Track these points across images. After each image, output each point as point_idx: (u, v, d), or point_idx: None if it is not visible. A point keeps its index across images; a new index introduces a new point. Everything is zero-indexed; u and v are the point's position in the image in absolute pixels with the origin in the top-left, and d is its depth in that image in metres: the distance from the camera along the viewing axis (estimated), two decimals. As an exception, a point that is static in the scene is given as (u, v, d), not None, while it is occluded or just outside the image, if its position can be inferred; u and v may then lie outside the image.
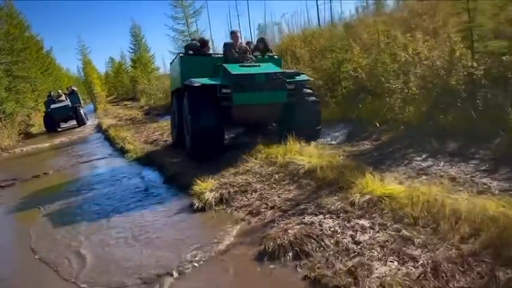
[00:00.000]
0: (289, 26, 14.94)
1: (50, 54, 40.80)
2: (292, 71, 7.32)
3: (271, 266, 3.19)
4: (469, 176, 4.20)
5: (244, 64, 6.75)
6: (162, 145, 9.30)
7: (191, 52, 7.75)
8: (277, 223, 3.85)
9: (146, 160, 8.03)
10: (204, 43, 8.01)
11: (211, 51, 8.30)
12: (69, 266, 3.78)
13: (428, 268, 2.63)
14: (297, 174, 4.95)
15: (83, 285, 3.36)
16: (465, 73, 5.43)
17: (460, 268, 2.56)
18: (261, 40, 8.27)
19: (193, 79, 6.36)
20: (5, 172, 9.48)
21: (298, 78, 6.67)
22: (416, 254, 2.84)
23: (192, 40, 9.38)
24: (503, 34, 5.29)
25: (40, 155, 12.09)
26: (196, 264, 3.44)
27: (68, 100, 20.19)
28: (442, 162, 4.71)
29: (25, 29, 30.82)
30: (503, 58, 5.05)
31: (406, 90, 6.36)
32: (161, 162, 7.25)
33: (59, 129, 19.81)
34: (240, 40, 7.48)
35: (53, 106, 19.33)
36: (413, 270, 2.68)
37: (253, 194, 4.81)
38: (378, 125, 6.49)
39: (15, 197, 6.91)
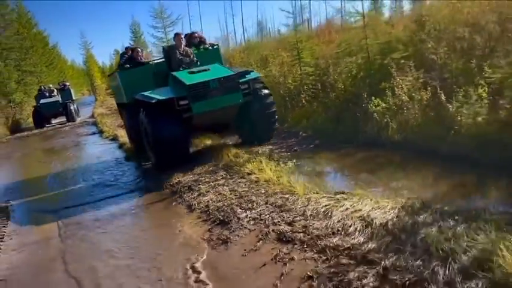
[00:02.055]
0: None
1: (55, 49, 44.67)
2: (241, 69, 7.22)
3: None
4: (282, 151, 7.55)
5: (194, 70, 6.61)
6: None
7: (128, 66, 7.68)
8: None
9: (113, 138, 11.61)
10: (132, 51, 8.04)
11: (142, 54, 8.08)
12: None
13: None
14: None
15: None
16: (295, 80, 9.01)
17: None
18: (193, 34, 8.12)
19: (145, 93, 6.39)
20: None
21: (249, 76, 6.65)
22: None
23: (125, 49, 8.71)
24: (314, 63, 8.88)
25: (41, 135, 15.77)
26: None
27: (59, 96, 19.95)
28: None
29: (33, 27, 34.52)
30: (310, 77, 8.61)
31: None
32: (122, 140, 10.79)
33: (47, 126, 19.57)
34: (183, 43, 7.24)
35: (42, 101, 19.15)
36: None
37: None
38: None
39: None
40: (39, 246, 4.58)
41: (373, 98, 6.39)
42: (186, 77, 6.38)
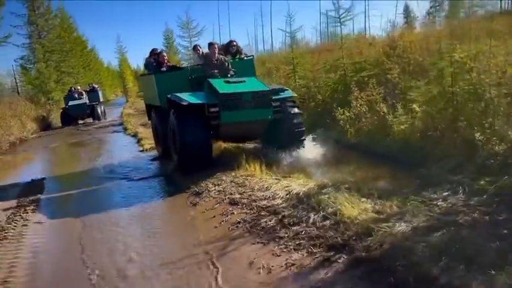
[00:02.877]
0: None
1: (93, 52, 47.58)
2: (277, 86, 7.35)
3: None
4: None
5: (230, 80, 6.75)
6: (149, 126, 14.55)
7: (164, 69, 7.80)
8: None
9: (134, 134, 13.29)
10: (158, 55, 8.08)
11: (167, 59, 8.26)
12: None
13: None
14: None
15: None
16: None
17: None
18: (231, 43, 8.20)
19: (179, 95, 6.46)
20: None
21: (283, 94, 6.79)
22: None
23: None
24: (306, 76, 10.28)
25: (70, 132, 17.70)
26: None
27: (87, 98, 20.48)
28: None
29: (73, 31, 37.19)
30: (303, 89, 10.02)
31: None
32: (140, 135, 12.46)
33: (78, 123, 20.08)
34: (217, 52, 7.35)
35: (71, 103, 19.60)
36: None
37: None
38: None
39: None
40: (68, 203, 6.19)
41: (339, 108, 7.74)
42: (220, 85, 6.46)
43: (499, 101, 4.54)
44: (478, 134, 4.59)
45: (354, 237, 3.36)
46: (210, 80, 6.64)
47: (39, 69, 24.15)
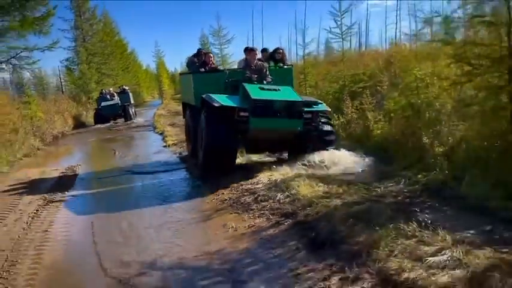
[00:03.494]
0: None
1: (132, 55, 50.04)
2: (310, 99, 7.30)
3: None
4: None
5: (264, 87, 6.70)
6: (176, 125, 15.95)
7: (203, 70, 7.84)
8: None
9: (161, 132, 14.70)
10: (205, 55, 8.18)
11: (213, 60, 8.30)
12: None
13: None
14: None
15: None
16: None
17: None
18: (277, 50, 8.27)
19: (212, 96, 6.45)
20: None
21: (315, 107, 6.69)
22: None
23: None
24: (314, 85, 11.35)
25: (105, 130, 19.39)
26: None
27: (118, 99, 21.07)
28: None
29: (115, 35, 39.47)
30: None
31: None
32: (166, 133, 13.82)
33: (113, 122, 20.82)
34: (257, 58, 7.40)
35: (103, 104, 20.37)
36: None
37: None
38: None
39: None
40: (97, 181, 7.57)
41: (334, 115, 8.77)
42: (254, 90, 6.42)
43: (442, 112, 5.51)
44: (425, 138, 5.57)
45: (300, 208, 4.48)
46: (245, 84, 6.64)
47: (81, 70, 26.13)
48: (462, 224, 3.66)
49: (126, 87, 23.79)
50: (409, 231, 3.35)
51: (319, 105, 6.82)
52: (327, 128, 6.90)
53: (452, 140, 5.39)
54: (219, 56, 23.57)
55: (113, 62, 33.17)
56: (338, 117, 8.67)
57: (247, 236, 4.24)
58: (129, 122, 20.74)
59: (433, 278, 2.68)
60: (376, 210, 3.96)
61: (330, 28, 10.44)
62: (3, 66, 12.63)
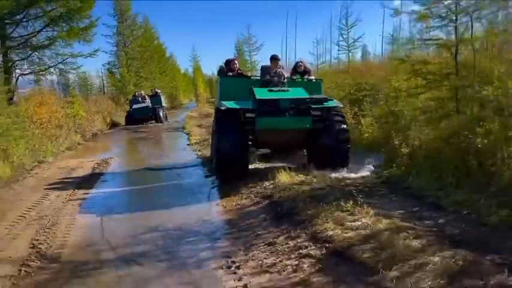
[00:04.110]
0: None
1: (171, 59, 52.13)
2: (321, 96, 7.03)
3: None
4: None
5: (273, 89, 6.65)
6: (203, 126, 17.26)
7: (230, 74, 7.76)
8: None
9: (188, 132, 16.03)
10: (227, 63, 8.06)
11: (237, 65, 8.08)
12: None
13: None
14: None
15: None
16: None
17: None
18: (297, 63, 8.32)
19: (224, 101, 6.48)
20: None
21: (326, 104, 6.56)
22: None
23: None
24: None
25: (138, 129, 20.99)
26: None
27: (150, 102, 21.48)
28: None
29: (154, 40, 41.48)
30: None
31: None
32: (191, 133, 15.11)
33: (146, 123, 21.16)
34: (279, 65, 7.42)
35: (135, 106, 20.92)
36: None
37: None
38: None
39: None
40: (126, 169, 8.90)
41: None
42: (260, 92, 6.44)
43: (410, 118, 6.47)
44: (396, 140, 6.53)
45: (277, 192, 5.57)
46: (253, 87, 6.69)
47: (121, 73, 28.06)
48: (397, 206, 4.67)
49: (159, 91, 24.34)
50: (346, 207, 4.39)
51: (329, 101, 6.75)
52: (342, 126, 6.73)
53: (417, 142, 6.33)
54: (249, 62, 24.90)
55: (151, 66, 35.00)
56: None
57: (233, 211, 5.39)
58: (159, 124, 21.62)
59: (344, 235, 3.74)
60: (331, 194, 5.00)
61: (338, 42, 11.42)
62: (52, 70, 14.36)
